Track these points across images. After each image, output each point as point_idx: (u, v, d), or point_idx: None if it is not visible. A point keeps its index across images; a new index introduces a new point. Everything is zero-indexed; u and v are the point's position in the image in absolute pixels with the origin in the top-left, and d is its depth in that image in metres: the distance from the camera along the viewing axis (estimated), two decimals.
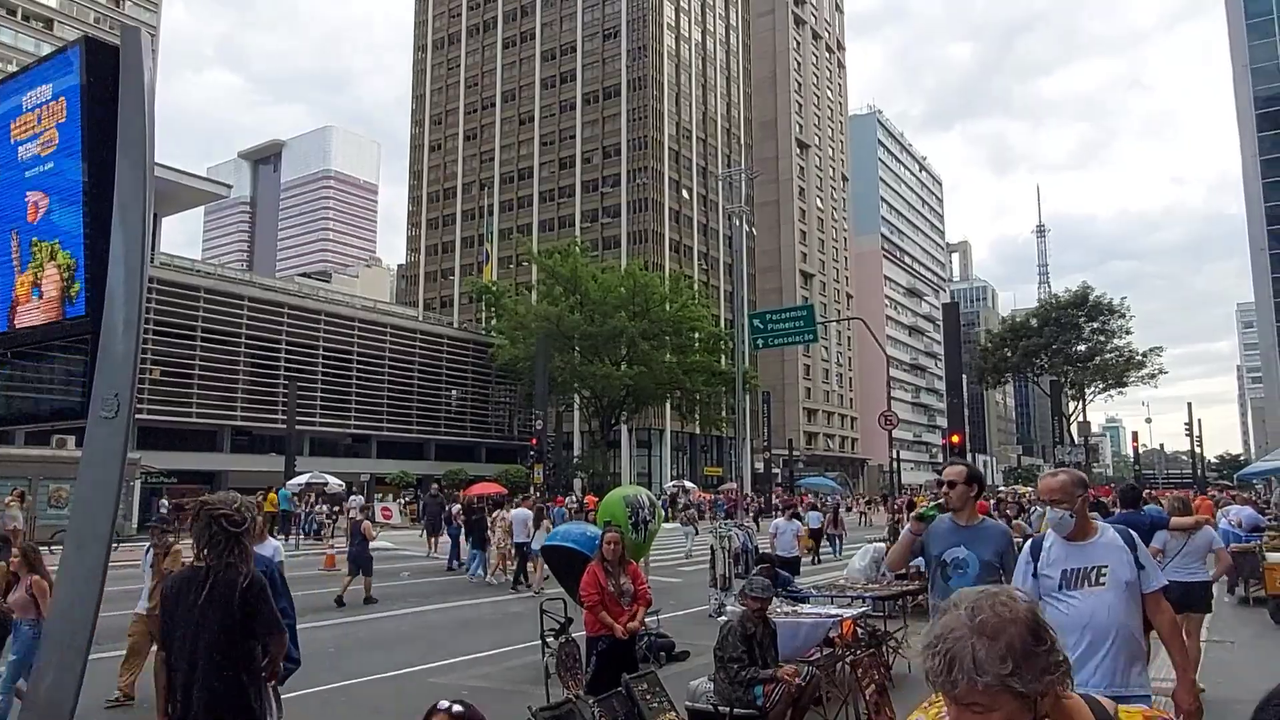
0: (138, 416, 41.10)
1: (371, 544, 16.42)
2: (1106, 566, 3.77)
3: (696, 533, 27.30)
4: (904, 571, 11.72)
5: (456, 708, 2.86)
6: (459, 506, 23.44)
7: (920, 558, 5.30)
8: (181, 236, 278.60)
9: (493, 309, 63.00)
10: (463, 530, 21.18)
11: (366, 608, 14.92)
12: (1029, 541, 4.09)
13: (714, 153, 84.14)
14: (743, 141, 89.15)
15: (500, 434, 62.89)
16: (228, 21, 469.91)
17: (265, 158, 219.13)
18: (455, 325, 70.18)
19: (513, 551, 18.12)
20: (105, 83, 5.05)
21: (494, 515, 19.41)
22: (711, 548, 14.47)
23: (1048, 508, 3.93)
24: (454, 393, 58.97)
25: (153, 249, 45.03)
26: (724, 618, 9.13)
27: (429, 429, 57.37)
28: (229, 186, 60.60)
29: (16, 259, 5.36)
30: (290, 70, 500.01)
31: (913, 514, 5.22)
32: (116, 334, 4.65)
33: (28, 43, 78.74)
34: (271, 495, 30.50)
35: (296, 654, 4.73)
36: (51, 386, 5.57)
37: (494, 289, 63.32)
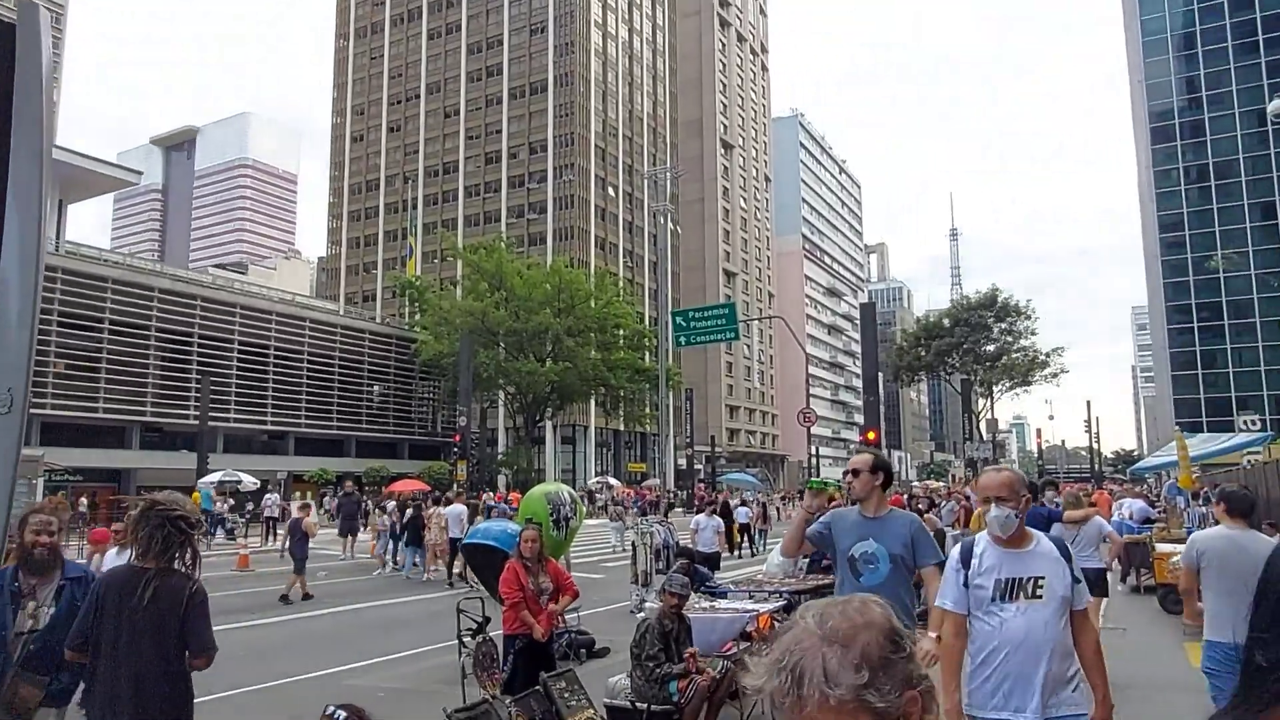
0: (41, 412, 39.53)
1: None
2: (1044, 578, 3.48)
3: (626, 527, 27.53)
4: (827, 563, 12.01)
5: (341, 714, 2.92)
6: (394, 504, 23.15)
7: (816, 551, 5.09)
8: (89, 225, 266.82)
9: (416, 304, 62.14)
10: (397, 527, 21.01)
11: (282, 606, 14.68)
12: (958, 546, 3.77)
13: (640, 151, 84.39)
14: (668, 140, 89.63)
15: (423, 430, 62.07)
16: (140, 1, 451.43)
17: (179, 144, 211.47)
18: (378, 320, 68.97)
19: (446, 549, 18.12)
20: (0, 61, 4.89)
21: (429, 512, 19.37)
22: (633, 544, 14.61)
23: (992, 505, 3.54)
24: (376, 388, 57.97)
25: (57, 237, 43.12)
26: (642, 614, 9.27)
27: (350, 425, 56.29)
28: (139, 173, 58.31)
29: None
30: (207, 54, 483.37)
31: (807, 485, 4.87)
32: (10, 326, 4.52)
33: None
34: (195, 495, 29.57)
35: None
36: None
37: (418, 284, 62.43)
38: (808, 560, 12.61)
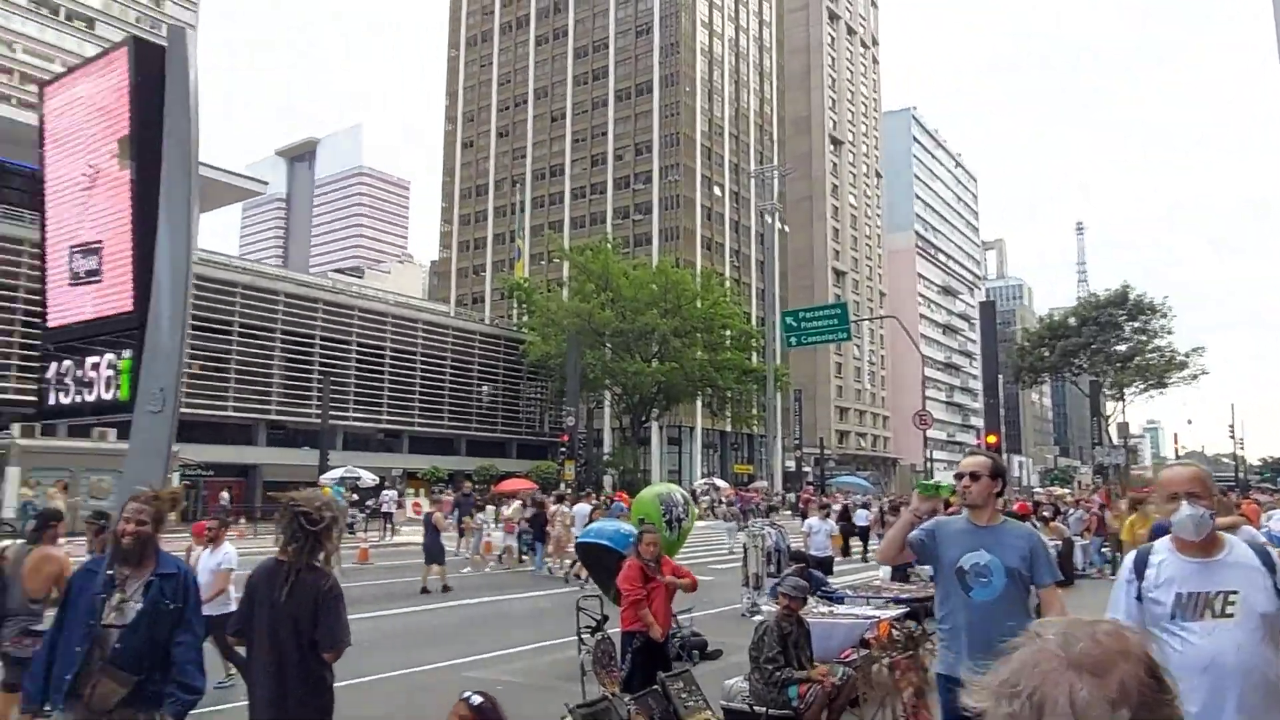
0: None
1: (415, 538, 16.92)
2: (1236, 593, 2.95)
3: (740, 528, 27.35)
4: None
5: (476, 699, 2.95)
6: (518, 504, 23.92)
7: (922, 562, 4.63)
8: (215, 233, 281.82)
9: (524, 305, 63.26)
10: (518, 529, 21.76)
11: (416, 597, 15.50)
12: (1133, 554, 3.30)
13: (746, 149, 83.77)
14: (775, 138, 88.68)
15: (531, 430, 63.09)
16: (261, 18, 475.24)
17: (300, 155, 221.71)
18: (487, 321, 70.57)
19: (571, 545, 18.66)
20: (153, 82, 5.12)
21: (553, 511, 20.11)
22: (744, 546, 14.41)
23: (1182, 503, 3.01)
24: (485, 389, 59.26)
25: None
26: (758, 617, 9.09)
27: (460, 424, 57.71)
28: (265, 183, 61.32)
29: None
30: (325, 66, 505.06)
31: (915, 486, 4.42)
32: (163, 329, 4.70)
33: (70, 42, 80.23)
34: (325, 490, 30.76)
35: (201, 683, 3.90)
36: (97, 380, 5.64)
37: (525, 285, 63.57)
38: (890, 570, 12.15)
